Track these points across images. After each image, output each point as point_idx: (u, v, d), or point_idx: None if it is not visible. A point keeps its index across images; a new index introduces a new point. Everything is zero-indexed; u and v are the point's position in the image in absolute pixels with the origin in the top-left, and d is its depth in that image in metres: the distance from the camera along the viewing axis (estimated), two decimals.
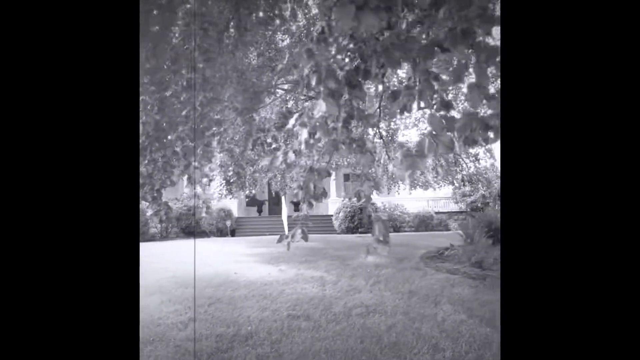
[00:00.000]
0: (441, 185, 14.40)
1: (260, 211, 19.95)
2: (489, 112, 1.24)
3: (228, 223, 15.26)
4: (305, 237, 1.99)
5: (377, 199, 17.39)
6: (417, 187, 14.62)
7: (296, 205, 20.55)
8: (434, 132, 1.24)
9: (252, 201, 19.97)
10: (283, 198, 17.23)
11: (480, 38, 1.25)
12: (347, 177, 19.68)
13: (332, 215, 16.97)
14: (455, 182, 14.10)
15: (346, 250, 8.24)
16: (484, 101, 1.21)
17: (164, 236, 15.00)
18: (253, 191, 10.31)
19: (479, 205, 16.94)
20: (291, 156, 1.89)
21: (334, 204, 17.55)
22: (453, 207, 18.26)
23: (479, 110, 1.28)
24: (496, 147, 14.22)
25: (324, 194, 1.99)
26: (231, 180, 8.58)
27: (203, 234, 15.70)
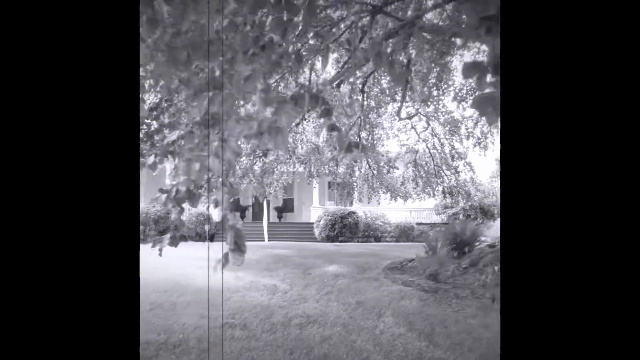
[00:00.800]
0: (420, 197, 14.39)
1: (243, 217, 19.84)
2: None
3: (207, 227, 15.13)
4: (173, 243, 1.93)
5: (359, 207, 17.35)
6: (398, 197, 14.62)
7: (279, 212, 20.48)
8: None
9: (235, 206, 19.85)
10: (265, 204, 17.13)
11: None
12: (329, 185, 19.65)
13: (313, 223, 16.88)
14: (434, 193, 14.10)
15: (313, 259, 8.16)
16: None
17: (141, 239, 14.87)
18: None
19: (461, 217, 16.93)
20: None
21: (316, 212, 17.47)
22: (436, 218, 18.26)
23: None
24: (474, 160, 14.16)
25: (193, 197, 1.93)
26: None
27: (182, 238, 15.53)
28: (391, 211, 17.80)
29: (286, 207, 20.78)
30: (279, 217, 20.21)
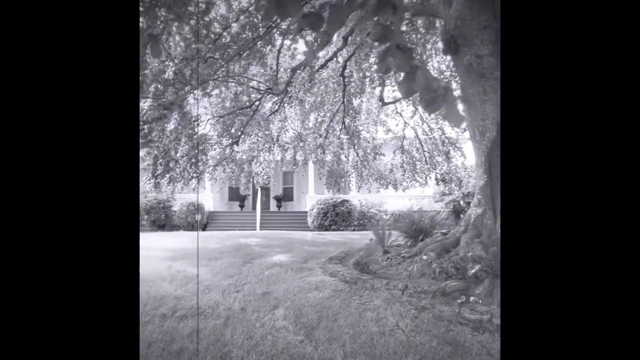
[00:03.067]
0: (412, 185, 13.95)
1: (242, 206, 19.84)
2: None
3: (198, 217, 15.19)
4: None
5: (356, 196, 17.06)
6: (389, 186, 14.26)
7: (279, 201, 20.38)
8: None
9: (234, 196, 19.91)
10: (259, 193, 17.06)
11: None
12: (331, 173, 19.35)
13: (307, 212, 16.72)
14: (426, 180, 13.65)
15: (272, 248, 7.98)
16: None
17: None
18: (192, 185, 10.10)
19: (461, 203, 16.39)
20: None
21: (312, 201, 17.26)
22: (436, 206, 17.74)
23: None
24: (465, 145, 13.61)
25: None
26: (156, 174, 8.44)
27: (176, 227, 15.69)
28: (391, 199, 17.44)
29: (286, 196, 20.68)
30: (278, 206, 20.12)
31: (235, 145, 10.24)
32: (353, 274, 5.13)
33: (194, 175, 9.56)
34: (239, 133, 10.05)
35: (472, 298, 4.11)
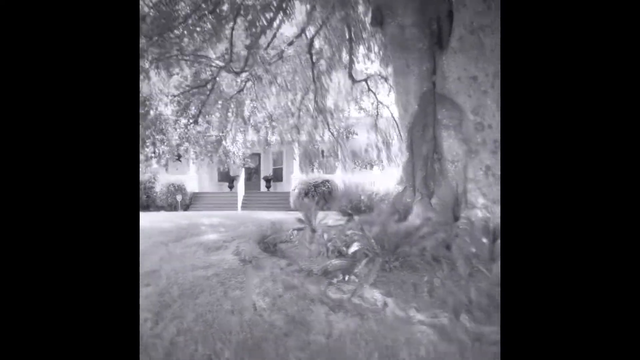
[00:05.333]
0: (390, 165, 13.72)
1: (231, 187, 19.91)
2: None
3: (178, 198, 15.31)
4: None
5: (340, 176, 16.88)
6: (368, 166, 14.10)
7: (268, 182, 20.39)
8: None
9: (223, 176, 19.99)
10: (242, 173, 17.06)
11: None
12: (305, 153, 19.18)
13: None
14: (398, 160, 13.38)
15: (219, 227, 7.96)
16: None
17: None
18: (153, 166, 10.09)
19: None
20: None
21: (296, 181, 17.19)
22: None
23: None
24: None
25: None
26: None
27: (159, 208, 15.87)
28: (380, 179, 17.20)
29: (275, 176, 20.65)
30: (267, 187, 20.13)
31: (195, 125, 10.16)
32: (254, 252, 5.04)
33: (152, 155, 9.52)
34: (198, 112, 9.95)
35: (347, 277, 3.98)
